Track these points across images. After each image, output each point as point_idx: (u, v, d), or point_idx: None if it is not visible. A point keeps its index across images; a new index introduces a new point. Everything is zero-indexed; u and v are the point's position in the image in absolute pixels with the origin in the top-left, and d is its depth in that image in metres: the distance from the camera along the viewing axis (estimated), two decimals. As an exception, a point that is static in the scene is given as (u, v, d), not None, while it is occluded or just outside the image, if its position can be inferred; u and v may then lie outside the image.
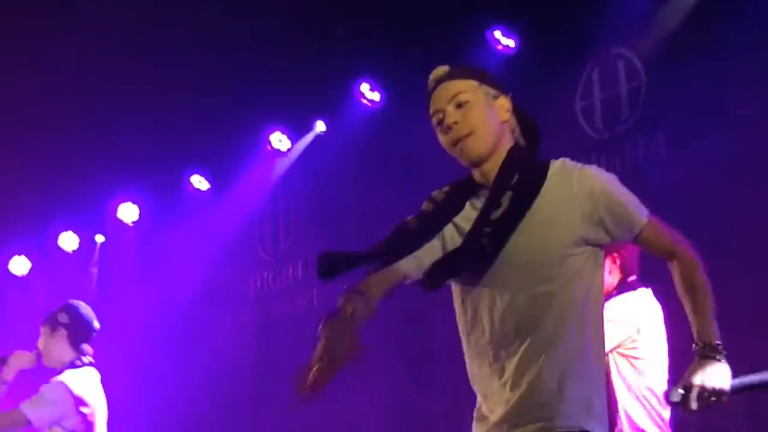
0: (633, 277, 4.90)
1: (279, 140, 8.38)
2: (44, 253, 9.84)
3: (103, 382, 5.39)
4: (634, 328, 4.71)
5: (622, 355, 4.69)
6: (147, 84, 7.62)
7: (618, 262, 4.87)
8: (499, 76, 7.12)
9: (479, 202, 3.13)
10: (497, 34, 7.07)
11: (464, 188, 3.21)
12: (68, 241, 9.70)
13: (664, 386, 4.58)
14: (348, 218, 8.07)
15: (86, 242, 9.75)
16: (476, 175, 3.18)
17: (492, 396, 3.06)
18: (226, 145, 8.57)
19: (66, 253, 9.75)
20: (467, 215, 3.14)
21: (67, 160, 8.42)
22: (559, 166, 3.11)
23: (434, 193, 3.23)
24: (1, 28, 7.17)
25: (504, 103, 3.18)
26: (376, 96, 7.77)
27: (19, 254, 9.98)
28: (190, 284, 8.88)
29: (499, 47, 7.07)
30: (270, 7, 6.94)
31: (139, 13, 7.05)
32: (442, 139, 3.18)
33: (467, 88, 3.14)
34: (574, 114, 6.82)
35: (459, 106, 3.13)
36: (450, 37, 7.09)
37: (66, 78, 7.60)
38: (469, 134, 3.11)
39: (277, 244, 8.76)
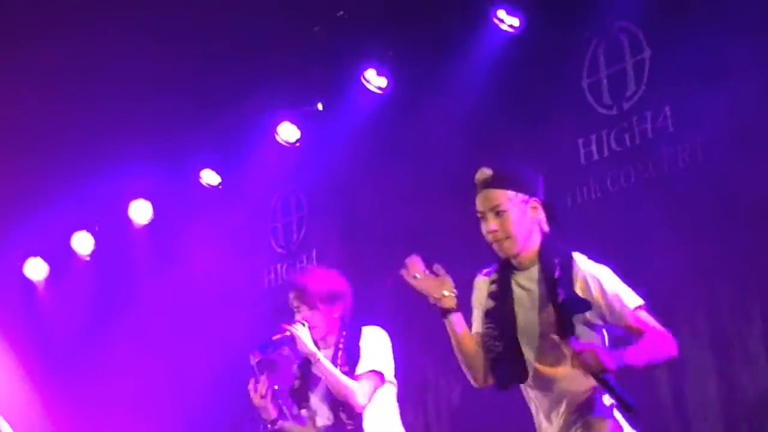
0: None
1: (287, 130, 8.34)
2: (60, 256, 9.81)
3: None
4: None
5: None
6: (150, 81, 7.64)
7: None
8: (505, 56, 7.05)
9: (522, 279, 4.05)
10: (501, 13, 7.02)
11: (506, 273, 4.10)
12: (82, 243, 9.64)
13: None
14: (360, 206, 8.06)
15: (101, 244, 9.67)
16: (512, 260, 4.06)
17: None
18: (234, 138, 8.57)
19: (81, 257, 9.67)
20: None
21: (77, 162, 8.45)
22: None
23: (484, 285, 4.17)
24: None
25: (534, 204, 4.04)
26: (382, 81, 7.73)
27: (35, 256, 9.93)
28: (204, 280, 8.87)
29: (504, 26, 7.02)
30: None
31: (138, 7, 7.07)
32: (485, 233, 4.04)
33: (505, 200, 4.00)
34: (581, 91, 6.80)
35: (498, 213, 3.99)
36: (454, 18, 7.06)
37: (67, 85, 7.64)
38: (506, 238, 4.00)
39: (290, 235, 8.74)
